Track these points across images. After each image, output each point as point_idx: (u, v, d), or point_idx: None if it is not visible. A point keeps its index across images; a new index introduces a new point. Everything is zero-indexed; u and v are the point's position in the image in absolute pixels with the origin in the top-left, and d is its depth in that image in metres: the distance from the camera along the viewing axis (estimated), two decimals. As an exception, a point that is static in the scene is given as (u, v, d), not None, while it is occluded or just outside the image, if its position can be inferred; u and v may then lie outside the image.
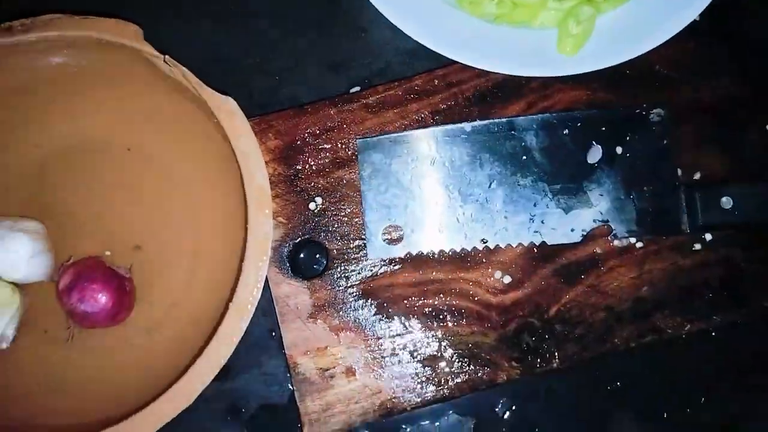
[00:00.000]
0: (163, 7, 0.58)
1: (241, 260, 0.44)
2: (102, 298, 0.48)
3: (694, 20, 0.51)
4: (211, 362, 0.42)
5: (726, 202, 0.49)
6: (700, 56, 0.54)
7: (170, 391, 0.42)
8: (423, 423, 0.52)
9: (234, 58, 0.57)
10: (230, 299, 0.43)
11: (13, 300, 0.48)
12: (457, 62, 0.51)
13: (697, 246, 0.52)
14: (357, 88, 0.56)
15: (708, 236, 0.52)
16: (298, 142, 0.53)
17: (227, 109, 0.45)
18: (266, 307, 0.53)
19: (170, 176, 0.53)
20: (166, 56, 0.47)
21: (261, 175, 0.44)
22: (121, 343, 0.51)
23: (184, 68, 0.46)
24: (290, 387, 0.51)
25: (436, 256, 0.52)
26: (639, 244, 0.52)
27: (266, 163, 0.52)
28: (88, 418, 0.45)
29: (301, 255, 0.53)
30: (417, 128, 0.53)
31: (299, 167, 0.53)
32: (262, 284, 0.44)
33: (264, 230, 0.44)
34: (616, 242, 0.52)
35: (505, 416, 0.52)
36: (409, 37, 0.51)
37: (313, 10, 0.58)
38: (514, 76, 0.53)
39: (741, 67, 0.54)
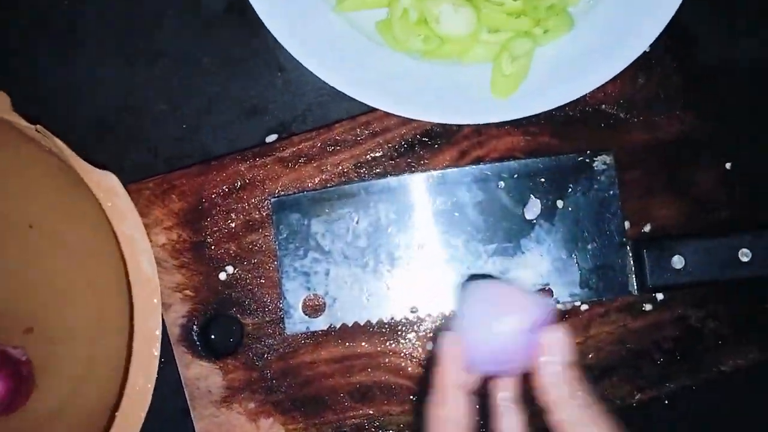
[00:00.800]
0: (63, 50, 0.52)
1: (128, 362, 0.38)
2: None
3: (644, 52, 0.46)
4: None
5: (677, 261, 0.45)
6: (651, 92, 0.49)
7: None
8: None
9: (140, 105, 0.51)
10: (116, 408, 0.38)
11: None
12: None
13: (648, 306, 0.47)
14: (274, 136, 0.50)
15: (660, 296, 0.47)
16: (206, 204, 0.48)
17: (108, 188, 0.39)
18: (178, 383, 0.47)
19: (65, 248, 0.47)
20: (38, 126, 0.41)
21: (147, 262, 0.39)
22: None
23: (56, 139, 0.40)
24: (206, 478, 0.47)
25: (362, 327, 0.47)
26: (584, 307, 0.47)
27: (170, 228, 0.47)
28: None
29: (212, 332, 0.47)
30: (338, 184, 0.48)
31: (207, 232, 0.48)
32: (152, 386, 0.38)
33: (151, 324, 0.39)
34: (558, 305, 0.47)
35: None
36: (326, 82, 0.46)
37: (227, 49, 0.51)
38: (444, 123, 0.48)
39: (697, 101, 0.49)
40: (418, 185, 0.47)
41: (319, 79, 0.51)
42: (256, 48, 0.52)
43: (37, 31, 0.51)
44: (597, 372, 0.47)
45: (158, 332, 0.39)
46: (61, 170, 0.42)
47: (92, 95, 0.51)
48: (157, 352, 0.38)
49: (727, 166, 0.48)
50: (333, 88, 0.50)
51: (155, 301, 0.39)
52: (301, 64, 0.49)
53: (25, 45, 0.51)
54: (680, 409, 0.47)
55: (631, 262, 0.46)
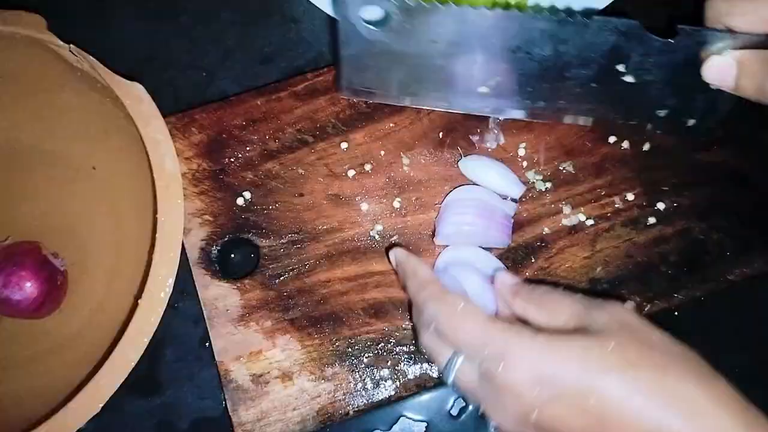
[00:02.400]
0: (90, 6, 0.56)
1: (151, 254, 0.40)
2: (29, 287, 0.45)
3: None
4: (117, 367, 0.38)
5: None
6: None
7: (73, 402, 0.38)
8: (370, 429, 0.48)
9: (162, 56, 0.55)
10: (139, 296, 0.39)
11: None
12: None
13: (652, 220, 0.49)
14: (288, 80, 0.53)
15: (661, 205, 0.49)
16: (224, 136, 0.50)
17: (135, 96, 0.42)
18: (197, 315, 0.49)
19: (88, 173, 0.49)
20: (71, 46, 0.44)
21: (171, 161, 0.41)
22: (41, 351, 0.47)
23: (90, 57, 0.44)
24: (223, 399, 0.47)
25: (377, 242, 0.48)
26: (589, 222, 0.49)
27: (190, 158, 0.49)
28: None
29: (231, 254, 0.49)
30: (350, 115, 0.50)
31: (225, 161, 0.50)
32: (173, 278, 0.40)
33: (174, 220, 0.41)
34: (564, 221, 0.49)
35: (460, 416, 0.48)
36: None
37: (244, 3, 0.55)
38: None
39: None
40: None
41: (329, 29, 0.54)
42: (270, 5, 0.56)
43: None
44: (606, 285, 0.48)
45: (181, 226, 0.41)
46: (90, 90, 0.45)
47: (120, 48, 0.55)
48: (180, 243, 0.40)
49: None
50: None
51: (179, 201, 0.41)
52: (311, 16, 0.53)
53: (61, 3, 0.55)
54: (690, 319, 0.48)
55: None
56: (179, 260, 0.41)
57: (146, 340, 0.39)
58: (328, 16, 0.52)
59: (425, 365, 0.47)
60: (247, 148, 0.50)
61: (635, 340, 0.33)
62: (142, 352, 0.39)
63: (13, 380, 0.46)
